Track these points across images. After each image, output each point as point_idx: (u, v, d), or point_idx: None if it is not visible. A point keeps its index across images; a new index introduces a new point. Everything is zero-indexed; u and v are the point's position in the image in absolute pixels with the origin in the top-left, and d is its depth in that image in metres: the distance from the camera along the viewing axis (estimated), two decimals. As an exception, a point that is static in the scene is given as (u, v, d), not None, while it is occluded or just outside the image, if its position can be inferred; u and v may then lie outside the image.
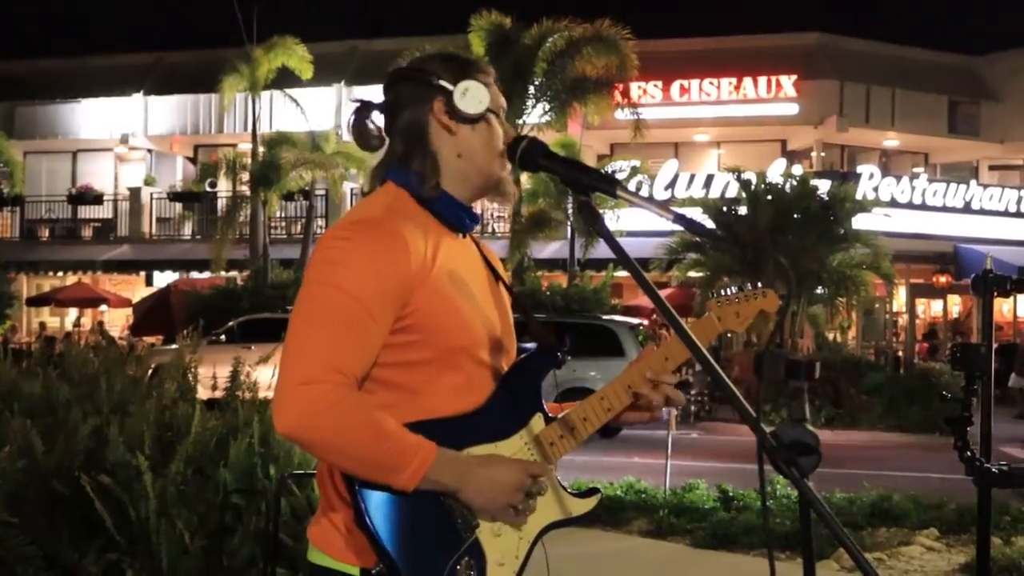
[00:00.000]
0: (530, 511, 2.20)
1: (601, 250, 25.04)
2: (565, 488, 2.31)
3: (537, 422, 2.26)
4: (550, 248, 28.22)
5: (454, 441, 2.13)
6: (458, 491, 2.10)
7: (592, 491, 2.33)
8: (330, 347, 2.03)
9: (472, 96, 2.21)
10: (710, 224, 20.89)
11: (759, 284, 2.37)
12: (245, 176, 27.62)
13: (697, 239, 22.69)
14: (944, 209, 30.13)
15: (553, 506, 2.27)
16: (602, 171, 2.04)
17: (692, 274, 23.33)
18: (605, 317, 19.39)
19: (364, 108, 2.30)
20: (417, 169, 2.25)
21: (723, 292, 2.40)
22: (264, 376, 6.69)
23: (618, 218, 23.56)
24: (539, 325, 2.30)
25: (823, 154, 32.33)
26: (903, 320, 32.69)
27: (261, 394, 6.53)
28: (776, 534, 7.97)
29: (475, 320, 2.21)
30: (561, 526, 2.28)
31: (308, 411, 1.99)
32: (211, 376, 6.76)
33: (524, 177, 25.55)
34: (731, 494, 9.36)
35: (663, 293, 26.74)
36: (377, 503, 2.07)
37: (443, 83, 2.23)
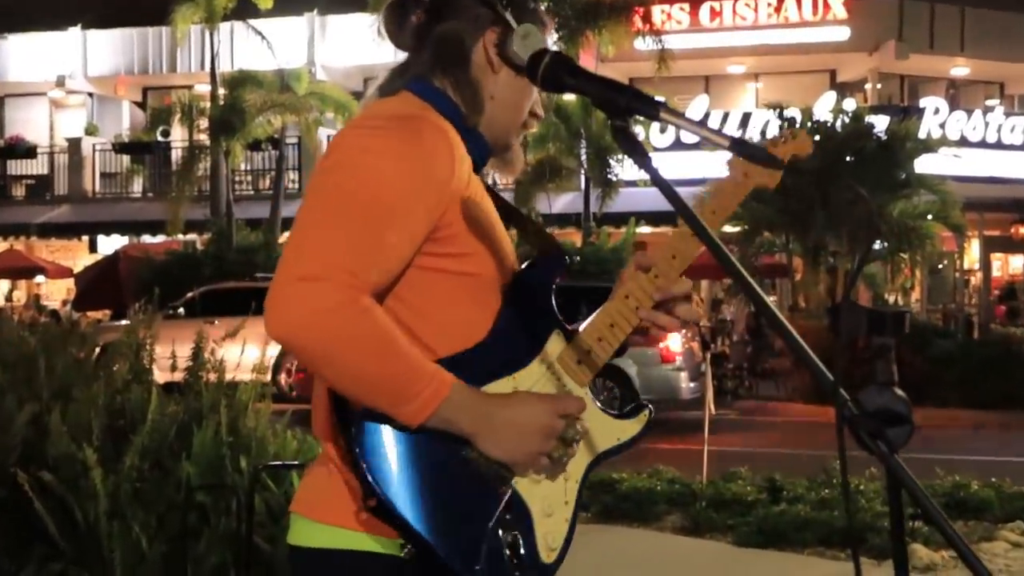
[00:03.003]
0: (567, 458, 2.15)
1: (621, 202, 24.99)
2: (605, 410, 2.26)
3: (555, 343, 2.22)
4: (561, 201, 28.18)
5: (467, 380, 2.07)
6: (474, 437, 2.04)
7: (636, 408, 2.29)
8: (343, 246, 1.97)
9: (532, 44, 2.20)
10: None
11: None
12: (204, 123, 27.54)
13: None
14: None
15: (597, 435, 2.22)
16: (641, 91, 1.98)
17: (728, 229, 23.26)
18: (627, 280, 19.34)
19: None
20: (449, 91, 2.25)
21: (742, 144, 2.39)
22: (232, 354, 6.66)
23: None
24: (537, 227, 2.31)
25: (879, 86, 32.20)
26: (976, 279, 32.65)
27: (229, 375, 6.51)
28: (833, 527, 7.97)
29: (504, 252, 2.22)
30: (612, 455, 2.26)
31: (308, 310, 1.93)
32: (169, 355, 6.74)
33: (531, 118, 25.48)
34: (779, 484, 9.35)
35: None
36: (385, 465, 1.99)
37: (508, 15, 2.24)
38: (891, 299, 24.80)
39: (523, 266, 2.27)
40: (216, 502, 5.71)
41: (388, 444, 2.00)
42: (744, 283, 1.74)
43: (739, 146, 1.86)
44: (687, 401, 16.45)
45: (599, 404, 2.25)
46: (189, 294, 20.30)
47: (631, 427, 2.27)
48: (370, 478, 1.98)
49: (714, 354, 18.76)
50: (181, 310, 19.40)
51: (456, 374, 2.05)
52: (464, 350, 2.12)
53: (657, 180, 1.87)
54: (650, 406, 2.31)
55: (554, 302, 2.24)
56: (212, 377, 6.53)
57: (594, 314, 2.26)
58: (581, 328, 2.25)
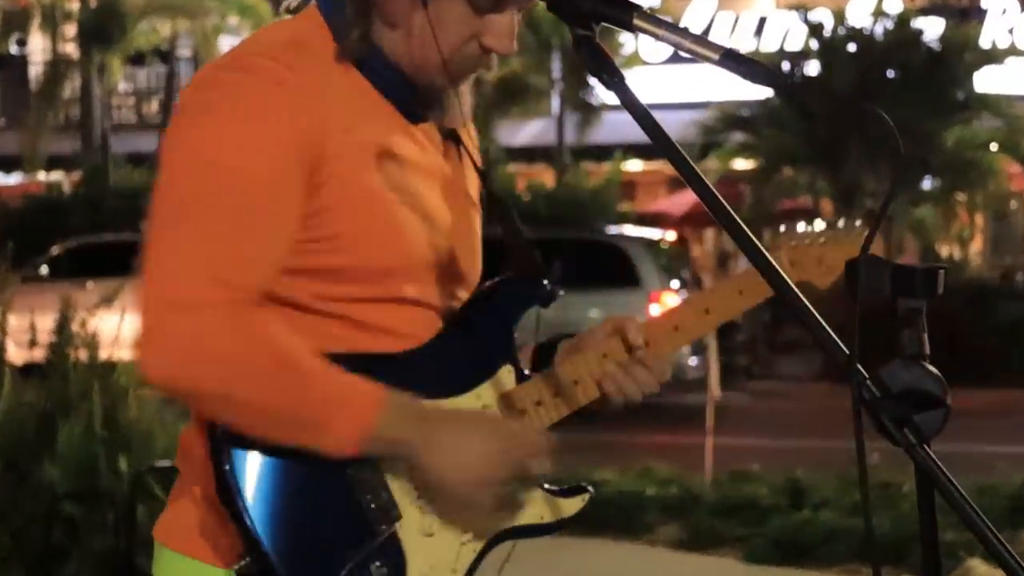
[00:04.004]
0: (513, 508, 2.19)
1: (604, 131, 24.98)
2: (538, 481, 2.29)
3: (506, 376, 2.27)
4: (528, 130, 28.15)
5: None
6: (417, 454, 2.07)
7: (578, 489, 2.32)
8: (209, 251, 2.02)
9: None
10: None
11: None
12: (71, 30, 27.32)
13: (745, 112, 22.64)
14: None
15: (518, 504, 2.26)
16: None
17: (739, 164, 23.32)
18: (611, 230, 19.38)
19: None
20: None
21: (799, 228, 2.45)
22: (108, 326, 6.64)
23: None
24: (525, 243, 2.28)
25: (931, -19, 32.25)
26: (1051, 226, 32.82)
27: (104, 353, 6.51)
28: (875, 537, 8.02)
29: (415, 232, 2.20)
30: (526, 535, 2.27)
31: (187, 348, 2.00)
32: (27, 328, 6.72)
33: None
34: (802, 485, 9.41)
35: (688, 198, 26.60)
36: (250, 467, 2.06)
37: None
38: (944, 251, 24.92)
39: (495, 281, 2.30)
40: (88, 513, 5.71)
41: (258, 472, 2.07)
42: (738, 232, 1.77)
43: (731, 61, 1.86)
44: (687, 381, 16.51)
45: None
46: (53, 250, 20.16)
47: (564, 507, 2.30)
48: (232, 488, 2.05)
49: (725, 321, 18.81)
50: (43, 270, 19.27)
51: (372, 377, 2.10)
52: (389, 353, 2.17)
53: (631, 106, 1.88)
54: (590, 489, 2.33)
55: (514, 334, 2.29)
56: (82, 355, 6.52)
57: (558, 363, 2.31)
58: (538, 374, 2.29)
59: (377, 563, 2.11)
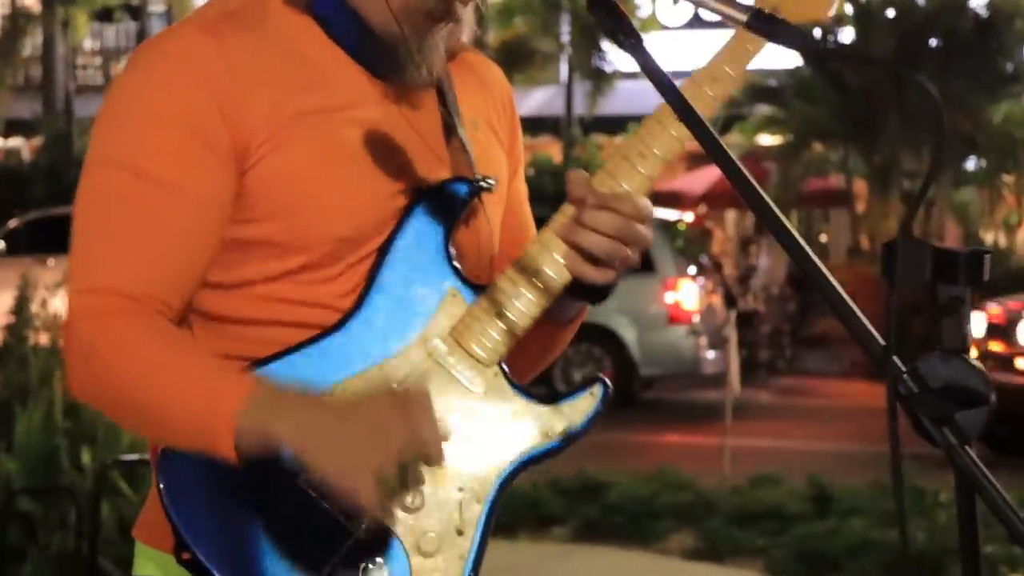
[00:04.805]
0: (412, 484, 2.03)
1: (617, 101, 24.93)
2: (525, 395, 2.16)
3: (449, 308, 2.16)
4: (533, 99, 28.09)
5: (316, 380, 2.08)
6: (302, 453, 1.97)
7: (582, 386, 2.17)
8: (98, 257, 2.12)
9: None
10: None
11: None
12: (32, -19, 27.33)
13: (772, 82, 22.61)
14: None
15: (511, 433, 2.13)
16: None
17: (764, 140, 23.28)
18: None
19: None
20: None
21: None
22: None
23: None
24: (463, 148, 2.24)
25: (979, -59, 32.18)
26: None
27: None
28: (910, 550, 8.04)
29: (357, 203, 2.15)
30: (540, 458, 2.14)
31: (73, 361, 2.07)
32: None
33: (493, -17, 25.33)
34: (829, 491, 9.42)
35: (708, 176, 26.44)
36: (186, 463, 2.05)
37: None
38: (989, 238, 24.88)
39: (408, 205, 2.19)
40: (47, 510, 5.71)
41: (197, 476, 2.05)
42: (767, 213, 1.77)
43: (760, 23, 1.87)
44: (705, 377, 16.51)
45: (515, 387, 2.15)
46: (11, 223, 20.19)
47: (566, 416, 2.14)
48: (179, 524, 2.03)
49: (743, 313, 18.82)
50: (0, 244, 19.30)
51: (302, 370, 2.08)
52: (309, 339, 2.12)
53: (650, 70, 1.88)
54: (605, 381, 2.17)
55: (447, 249, 2.17)
56: (43, 339, 6.53)
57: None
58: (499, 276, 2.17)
59: (369, 564, 2.05)
